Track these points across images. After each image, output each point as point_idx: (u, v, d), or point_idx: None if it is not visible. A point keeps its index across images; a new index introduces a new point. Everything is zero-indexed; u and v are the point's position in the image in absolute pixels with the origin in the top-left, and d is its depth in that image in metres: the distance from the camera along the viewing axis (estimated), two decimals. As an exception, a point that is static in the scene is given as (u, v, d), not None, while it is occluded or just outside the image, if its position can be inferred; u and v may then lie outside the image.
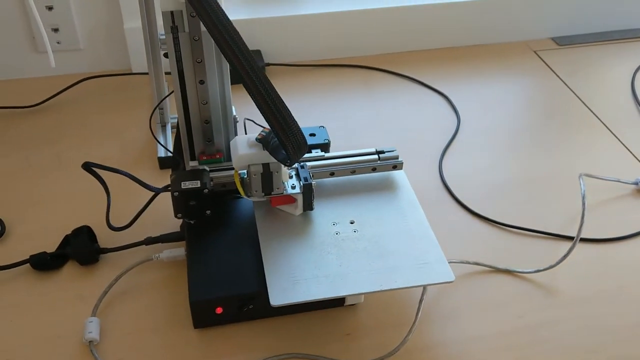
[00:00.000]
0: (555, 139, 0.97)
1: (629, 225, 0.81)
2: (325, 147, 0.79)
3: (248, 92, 0.58)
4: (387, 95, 1.06)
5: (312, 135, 0.81)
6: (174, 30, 0.63)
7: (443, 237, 0.74)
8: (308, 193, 0.68)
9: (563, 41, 1.21)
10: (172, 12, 0.62)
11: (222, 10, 0.56)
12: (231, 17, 0.57)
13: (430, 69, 1.12)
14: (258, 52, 1.09)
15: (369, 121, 0.99)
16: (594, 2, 1.20)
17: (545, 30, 1.21)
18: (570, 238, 0.78)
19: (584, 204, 0.76)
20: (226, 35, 0.56)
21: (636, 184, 0.87)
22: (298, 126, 0.59)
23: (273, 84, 0.58)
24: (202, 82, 0.66)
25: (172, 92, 0.68)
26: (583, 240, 0.78)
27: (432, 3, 1.13)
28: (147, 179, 0.71)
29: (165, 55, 0.65)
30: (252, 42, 1.09)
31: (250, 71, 0.56)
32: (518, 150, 0.94)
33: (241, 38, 0.57)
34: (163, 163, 0.88)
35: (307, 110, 1.01)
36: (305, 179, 0.69)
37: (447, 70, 1.12)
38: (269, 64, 1.09)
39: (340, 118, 1.00)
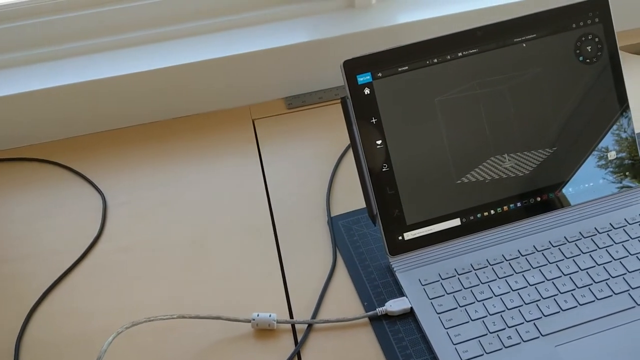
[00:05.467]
0: (209, 262, 0.77)
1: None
2: None
3: None
4: (40, 201, 0.87)
5: None
6: None
7: None
8: None
9: (295, 102, 1.01)
10: None
11: None
12: None
13: (103, 155, 0.92)
14: None
15: (18, 234, 0.82)
16: (322, 58, 0.99)
17: (276, 91, 1.01)
18: None
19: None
20: None
21: (249, 321, 0.68)
22: None
23: None
24: None
25: None
26: None
27: (116, 75, 0.93)
28: None
29: None
30: None
31: None
32: (156, 284, 0.75)
33: None
34: None
35: None
36: None
37: (129, 155, 0.92)
38: None
39: None
